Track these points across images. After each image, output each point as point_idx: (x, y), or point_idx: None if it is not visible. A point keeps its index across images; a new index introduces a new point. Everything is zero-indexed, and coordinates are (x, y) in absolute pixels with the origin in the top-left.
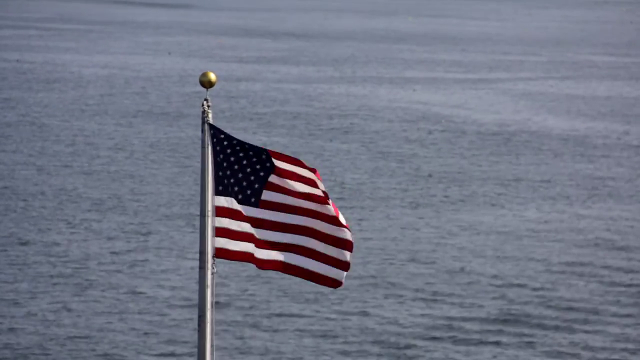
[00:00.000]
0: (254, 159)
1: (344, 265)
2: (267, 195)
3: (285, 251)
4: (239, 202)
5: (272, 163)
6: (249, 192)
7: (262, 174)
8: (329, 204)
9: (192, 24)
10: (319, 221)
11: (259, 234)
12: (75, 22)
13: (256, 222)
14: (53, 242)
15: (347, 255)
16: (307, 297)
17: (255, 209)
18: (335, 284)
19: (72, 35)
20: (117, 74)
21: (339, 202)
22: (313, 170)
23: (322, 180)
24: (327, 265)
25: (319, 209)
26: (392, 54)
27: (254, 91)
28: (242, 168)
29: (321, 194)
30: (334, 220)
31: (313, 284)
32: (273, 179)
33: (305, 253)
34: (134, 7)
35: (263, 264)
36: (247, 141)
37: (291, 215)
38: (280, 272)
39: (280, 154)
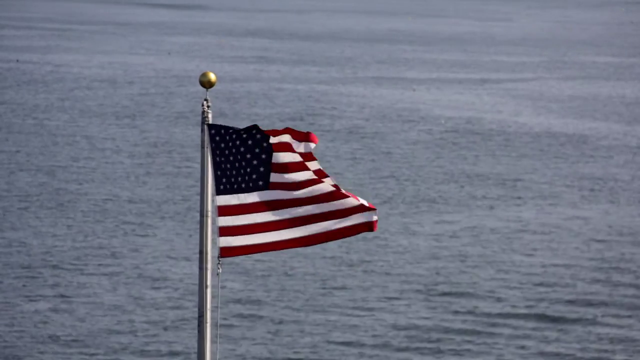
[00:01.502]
0: (250, 142)
1: (366, 208)
2: (273, 176)
3: (305, 224)
4: (248, 190)
5: (269, 142)
6: (254, 176)
7: (264, 156)
8: (326, 175)
9: (193, 24)
10: (324, 184)
11: (273, 215)
12: (76, 22)
13: (268, 205)
14: (52, 242)
15: (362, 201)
16: (308, 296)
17: (266, 191)
18: (368, 226)
19: (72, 35)
20: (118, 74)
21: None
22: (307, 135)
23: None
24: (352, 216)
25: (319, 175)
26: (393, 54)
27: (255, 91)
28: (243, 156)
29: (316, 165)
30: (333, 185)
31: (311, 282)
32: (274, 157)
33: (326, 217)
34: (134, 8)
35: (279, 246)
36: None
37: (300, 190)
38: (295, 249)
39: (271, 130)
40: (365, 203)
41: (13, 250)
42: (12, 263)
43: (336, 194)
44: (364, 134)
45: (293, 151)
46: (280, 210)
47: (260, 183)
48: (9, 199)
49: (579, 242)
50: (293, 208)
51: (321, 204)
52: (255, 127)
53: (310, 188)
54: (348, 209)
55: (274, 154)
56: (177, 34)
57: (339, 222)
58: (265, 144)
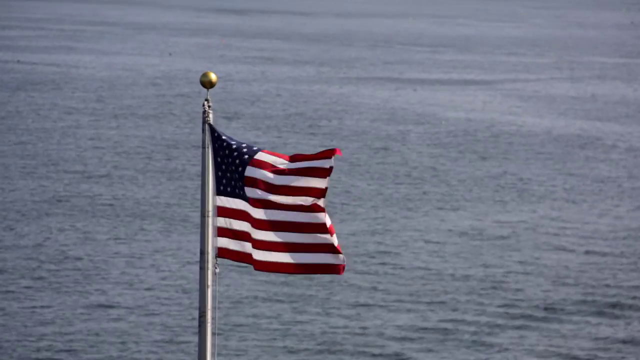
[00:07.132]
0: (235, 153)
1: (336, 249)
2: (248, 191)
3: (280, 251)
4: (237, 196)
5: (251, 155)
6: (238, 190)
7: (240, 169)
8: (307, 194)
9: (198, 24)
10: (297, 213)
11: (255, 233)
12: (77, 22)
13: (250, 219)
14: (52, 243)
15: (333, 239)
16: (308, 298)
17: (247, 204)
18: (337, 269)
19: (73, 35)
20: (118, 74)
21: (339, 204)
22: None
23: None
24: (323, 254)
25: (294, 201)
26: (399, 55)
27: (256, 92)
28: (234, 163)
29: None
30: (310, 209)
31: (312, 283)
32: (248, 171)
33: (298, 248)
34: (137, 8)
35: (260, 266)
36: (248, 141)
37: (271, 210)
38: (278, 273)
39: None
40: (335, 244)
41: (11, 251)
42: (10, 265)
43: (307, 226)
44: (364, 133)
45: (276, 173)
46: (259, 231)
47: (245, 197)
48: (7, 199)
49: (581, 241)
50: (264, 231)
51: (287, 233)
52: (248, 147)
53: (285, 212)
54: (317, 245)
55: (250, 168)
56: (180, 34)
57: (310, 258)
58: (245, 157)
